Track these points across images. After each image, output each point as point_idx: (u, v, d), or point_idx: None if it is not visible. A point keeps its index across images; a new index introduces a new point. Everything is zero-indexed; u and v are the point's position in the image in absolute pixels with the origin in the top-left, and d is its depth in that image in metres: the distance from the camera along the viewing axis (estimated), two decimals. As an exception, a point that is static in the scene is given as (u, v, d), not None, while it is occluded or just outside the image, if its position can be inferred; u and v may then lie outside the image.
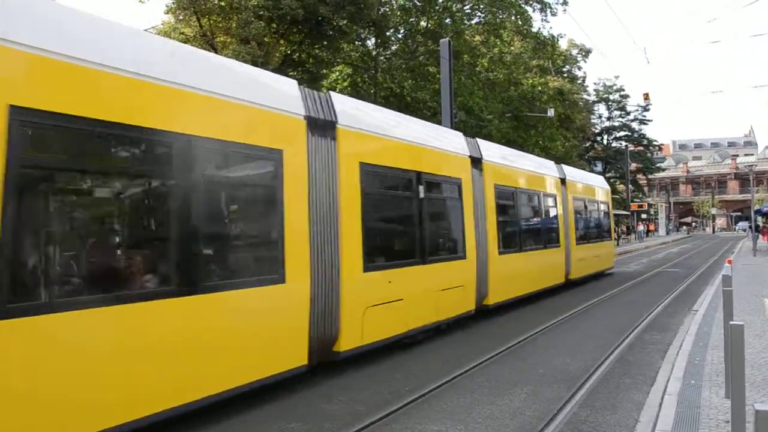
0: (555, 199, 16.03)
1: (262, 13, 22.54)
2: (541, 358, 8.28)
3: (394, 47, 31.01)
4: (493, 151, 12.88)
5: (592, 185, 20.63)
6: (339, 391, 6.84)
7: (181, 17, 24.20)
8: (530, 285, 13.79)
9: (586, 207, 19.01)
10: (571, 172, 18.54)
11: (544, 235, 15.07)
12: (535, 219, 14.95)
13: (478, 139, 12.52)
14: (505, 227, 12.88)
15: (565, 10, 34.05)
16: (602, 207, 21.32)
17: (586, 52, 52.24)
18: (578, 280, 17.32)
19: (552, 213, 15.83)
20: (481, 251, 11.41)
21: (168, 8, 23.74)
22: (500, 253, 12.13)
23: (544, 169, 16.11)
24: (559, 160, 29.19)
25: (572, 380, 7.07)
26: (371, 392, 6.78)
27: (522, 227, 13.82)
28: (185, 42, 21.05)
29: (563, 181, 16.98)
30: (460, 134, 11.86)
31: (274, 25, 23.90)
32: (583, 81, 54.63)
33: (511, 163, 13.77)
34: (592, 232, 19.57)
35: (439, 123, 16.63)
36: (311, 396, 6.64)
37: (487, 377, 7.33)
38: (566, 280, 16.43)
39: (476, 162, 11.75)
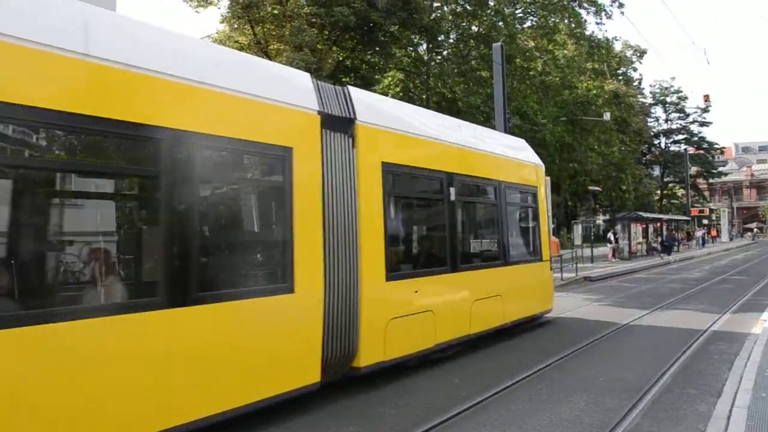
0: (283, 170, 5.97)
1: (314, 20, 22.93)
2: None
3: (445, 52, 31.02)
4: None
5: (481, 149, 9.79)
6: (397, 394, 6.85)
7: (235, 26, 24.88)
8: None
9: (446, 192, 8.59)
10: (387, 107, 8.35)
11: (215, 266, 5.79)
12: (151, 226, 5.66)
13: None
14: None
15: (622, 12, 33.33)
16: (515, 197, 11.09)
17: (641, 53, 51.04)
18: (397, 363, 7.38)
19: (264, 207, 6.70)
20: None
21: (223, 17, 24.46)
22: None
23: (233, 75, 5.66)
24: (616, 167, 28.13)
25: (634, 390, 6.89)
26: (429, 397, 6.78)
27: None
28: (240, 50, 21.59)
29: (346, 122, 6.88)
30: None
31: (327, 32, 24.25)
32: (639, 83, 53.38)
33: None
34: (477, 245, 10.08)
35: (493, 128, 16.51)
36: (367, 399, 6.67)
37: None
38: (324, 376, 6.27)
39: None
